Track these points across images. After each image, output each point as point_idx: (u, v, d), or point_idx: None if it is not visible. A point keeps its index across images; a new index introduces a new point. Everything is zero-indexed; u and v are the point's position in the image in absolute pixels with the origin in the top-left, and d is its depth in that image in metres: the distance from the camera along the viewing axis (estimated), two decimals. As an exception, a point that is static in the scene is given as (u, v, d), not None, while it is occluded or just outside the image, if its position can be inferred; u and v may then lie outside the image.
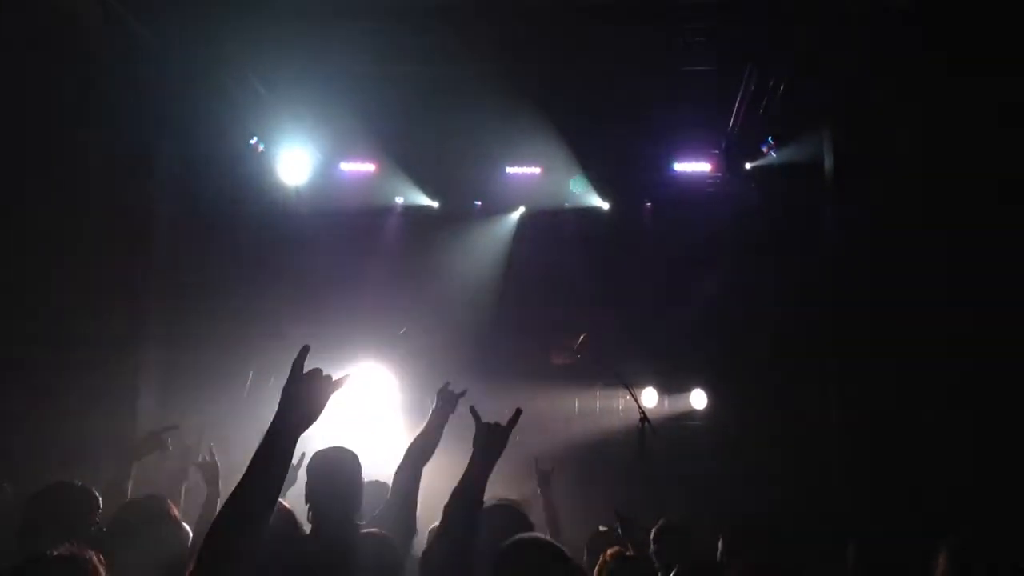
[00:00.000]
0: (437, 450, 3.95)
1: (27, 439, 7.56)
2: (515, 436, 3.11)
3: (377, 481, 4.22)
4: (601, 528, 5.06)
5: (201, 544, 2.08)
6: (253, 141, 11.09)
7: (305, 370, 2.28)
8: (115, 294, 9.04)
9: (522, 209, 13.18)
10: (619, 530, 5.05)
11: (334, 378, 2.31)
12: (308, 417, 2.23)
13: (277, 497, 2.18)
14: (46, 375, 8.35)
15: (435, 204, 12.86)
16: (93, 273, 8.80)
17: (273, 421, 2.20)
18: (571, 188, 12.56)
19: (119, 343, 9.08)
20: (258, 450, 2.19)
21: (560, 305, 13.34)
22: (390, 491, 3.85)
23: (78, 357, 8.57)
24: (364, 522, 3.56)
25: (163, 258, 9.74)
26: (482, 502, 2.96)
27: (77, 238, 8.74)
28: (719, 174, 11.85)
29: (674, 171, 12.08)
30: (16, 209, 8.46)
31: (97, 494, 3.34)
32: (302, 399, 2.22)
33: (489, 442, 3.01)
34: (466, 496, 2.93)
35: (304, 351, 2.30)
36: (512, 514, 3.50)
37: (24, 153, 8.32)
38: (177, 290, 10.04)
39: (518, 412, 2.73)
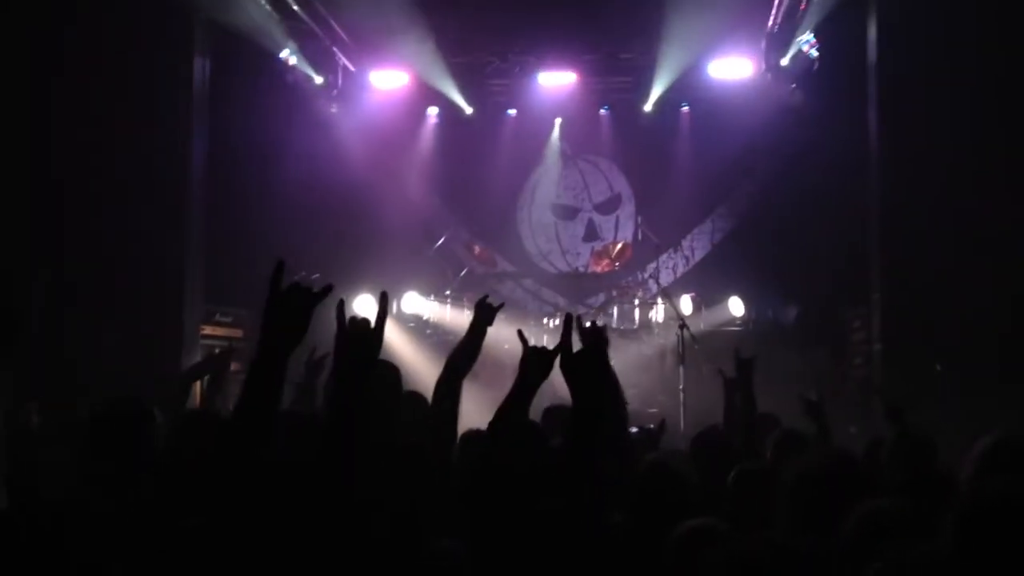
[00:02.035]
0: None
1: (73, 355, 7.74)
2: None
3: (417, 392, 4.27)
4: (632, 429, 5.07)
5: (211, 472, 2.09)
6: (284, 54, 10.99)
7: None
8: (156, 205, 9.10)
9: (559, 121, 13.00)
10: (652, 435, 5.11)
11: (314, 290, 2.25)
12: (293, 335, 2.19)
13: (272, 422, 2.16)
14: (91, 291, 8.51)
15: (469, 110, 12.70)
16: (133, 187, 8.88)
17: (259, 344, 2.16)
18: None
19: (163, 255, 9.18)
20: (248, 376, 2.16)
21: (595, 213, 13.29)
22: (431, 402, 3.89)
23: (122, 271, 8.71)
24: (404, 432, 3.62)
25: (202, 168, 9.77)
26: (527, 420, 2.98)
27: (118, 153, 8.81)
28: (758, 76, 11.54)
29: (712, 74, 11.80)
30: (61, 122, 8.56)
31: (154, 411, 3.38)
32: (284, 318, 2.18)
33: (535, 366, 3.02)
34: (511, 415, 2.94)
35: (279, 267, 2.21)
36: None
37: (70, 69, 8.40)
38: (217, 200, 10.09)
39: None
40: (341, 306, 2.29)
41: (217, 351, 5.15)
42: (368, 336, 2.31)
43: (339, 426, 2.25)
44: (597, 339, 3.49)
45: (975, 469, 3.19)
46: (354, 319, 2.32)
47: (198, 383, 4.99)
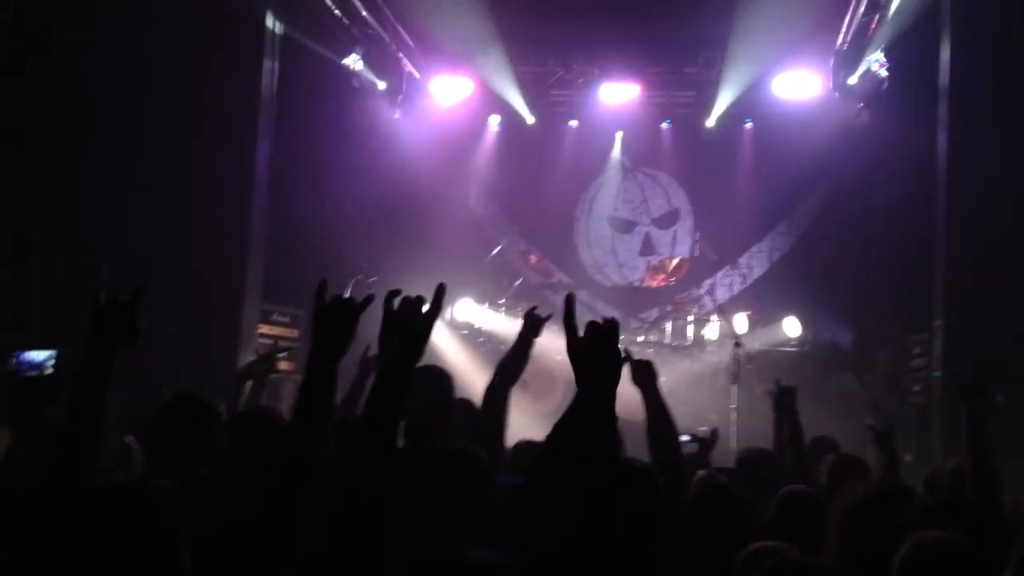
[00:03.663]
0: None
1: (131, 350, 7.87)
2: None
3: (466, 399, 4.28)
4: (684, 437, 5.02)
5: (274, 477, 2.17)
6: (350, 60, 11.12)
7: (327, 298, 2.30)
8: (220, 204, 9.25)
9: (620, 133, 12.97)
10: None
11: (357, 301, 2.33)
12: (340, 347, 2.29)
13: (327, 427, 2.25)
14: (152, 288, 8.66)
15: (531, 119, 12.72)
16: (198, 186, 9.03)
17: (309, 355, 2.28)
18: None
19: (225, 254, 9.33)
20: (301, 385, 2.27)
21: (653, 227, 13.21)
22: (480, 408, 3.90)
23: (184, 269, 8.86)
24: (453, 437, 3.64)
25: (265, 170, 9.92)
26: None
27: (184, 153, 8.99)
28: (825, 94, 11.39)
29: (776, 91, 11.67)
30: (130, 122, 8.78)
31: (218, 408, 3.48)
32: (330, 331, 2.28)
33: (650, 375, 3.41)
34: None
35: (322, 285, 2.31)
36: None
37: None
38: (280, 201, 10.22)
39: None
40: (391, 295, 2.32)
41: (262, 351, 5.24)
42: (416, 318, 2.29)
43: (380, 414, 2.26)
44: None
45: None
46: (407, 298, 2.32)
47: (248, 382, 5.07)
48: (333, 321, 2.29)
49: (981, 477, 3.67)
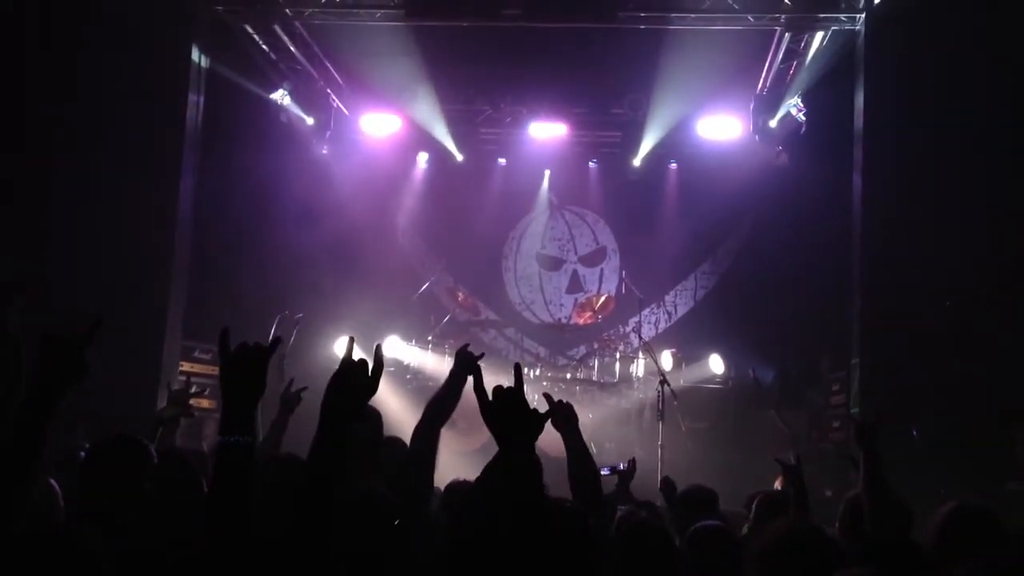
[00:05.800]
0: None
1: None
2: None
3: (396, 437, 4.25)
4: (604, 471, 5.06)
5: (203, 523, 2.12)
6: (278, 95, 11.06)
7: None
8: (142, 240, 9.06)
9: (548, 172, 13.11)
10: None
11: (263, 345, 2.28)
12: (253, 392, 2.25)
13: (250, 472, 2.20)
14: (70, 321, 8.42)
15: (460, 157, 12.78)
16: (120, 220, 8.85)
17: (223, 403, 2.23)
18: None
19: (146, 290, 9.13)
20: (220, 431, 2.22)
21: (580, 265, 13.34)
22: (410, 447, 3.86)
23: (103, 304, 8.63)
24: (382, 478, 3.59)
25: (189, 205, 9.75)
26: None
27: (107, 186, 8.81)
28: (745, 137, 11.70)
29: (700, 132, 11.94)
30: (51, 153, 8.59)
31: (151, 449, 3.34)
32: (240, 379, 2.23)
33: (569, 417, 3.58)
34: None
35: (224, 333, 2.26)
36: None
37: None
38: (205, 237, 10.05)
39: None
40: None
41: (174, 388, 5.06)
42: (362, 381, 2.28)
43: (322, 466, 2.23)
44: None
45: (937, 537, 3.22)
46: (352, 361, 2.29)
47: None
48: (240, 372, 2.22)
49: (877, 513, 3.77)
